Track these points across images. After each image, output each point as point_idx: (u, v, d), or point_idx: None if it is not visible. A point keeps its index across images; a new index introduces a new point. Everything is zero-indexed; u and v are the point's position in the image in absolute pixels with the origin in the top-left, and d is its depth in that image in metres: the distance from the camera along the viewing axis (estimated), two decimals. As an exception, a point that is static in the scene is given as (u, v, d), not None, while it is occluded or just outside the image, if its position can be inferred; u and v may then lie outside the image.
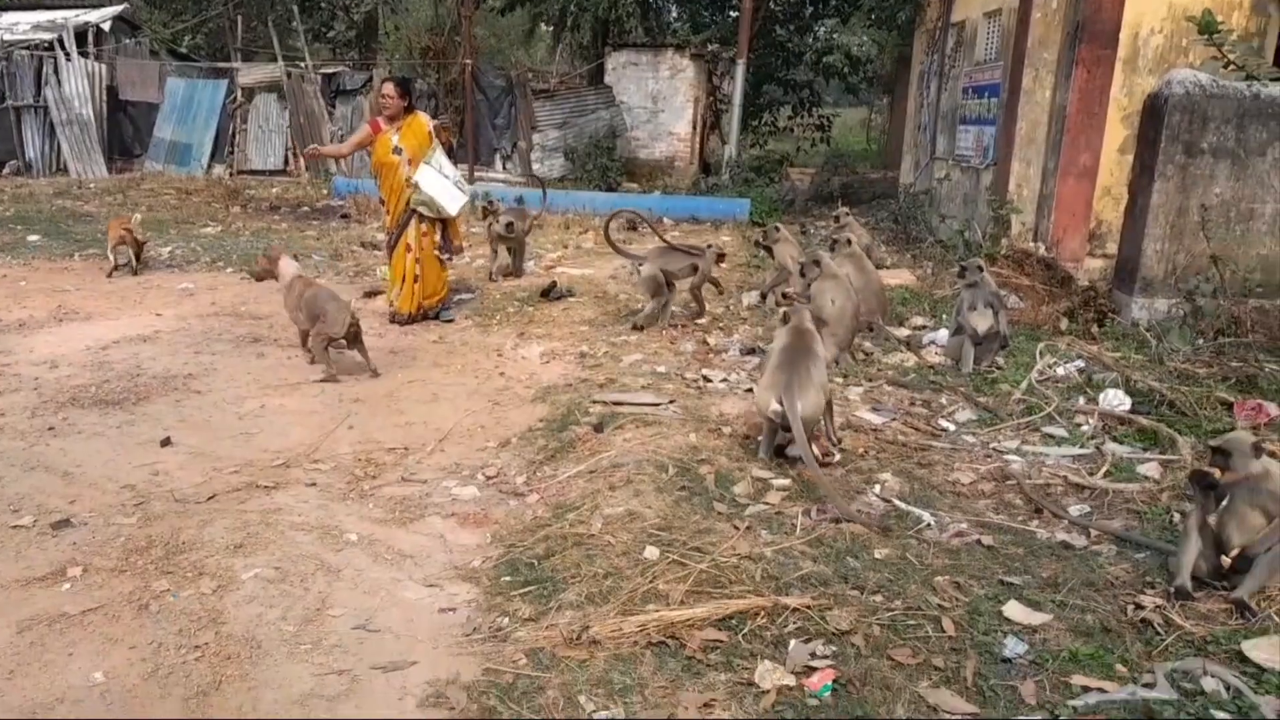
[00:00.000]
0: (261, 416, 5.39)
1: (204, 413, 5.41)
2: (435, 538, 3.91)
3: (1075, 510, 4.17)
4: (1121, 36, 8.66)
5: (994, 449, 4.93)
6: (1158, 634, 3.11)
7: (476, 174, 17.48)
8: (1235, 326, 6.34)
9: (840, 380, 6.06)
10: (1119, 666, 2.93)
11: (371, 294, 8.44)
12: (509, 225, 8.86)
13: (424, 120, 7.40)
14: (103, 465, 4.56)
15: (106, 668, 2.93)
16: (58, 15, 18.55)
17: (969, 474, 4.58)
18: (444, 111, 18.53)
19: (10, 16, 18.72)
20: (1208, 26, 7.87)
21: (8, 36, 17.22)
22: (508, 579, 3.50)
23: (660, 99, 18.75)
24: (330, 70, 18.91)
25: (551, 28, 22.42)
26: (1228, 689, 2.77)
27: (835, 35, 17.20)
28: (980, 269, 6.54)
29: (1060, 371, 6.15)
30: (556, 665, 2.92)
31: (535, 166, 17.94)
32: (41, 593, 3.37)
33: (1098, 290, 7.55)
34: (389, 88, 7.31)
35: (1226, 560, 3.30)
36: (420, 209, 7.27)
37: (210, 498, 4.22)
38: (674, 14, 22.37)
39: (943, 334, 7.02)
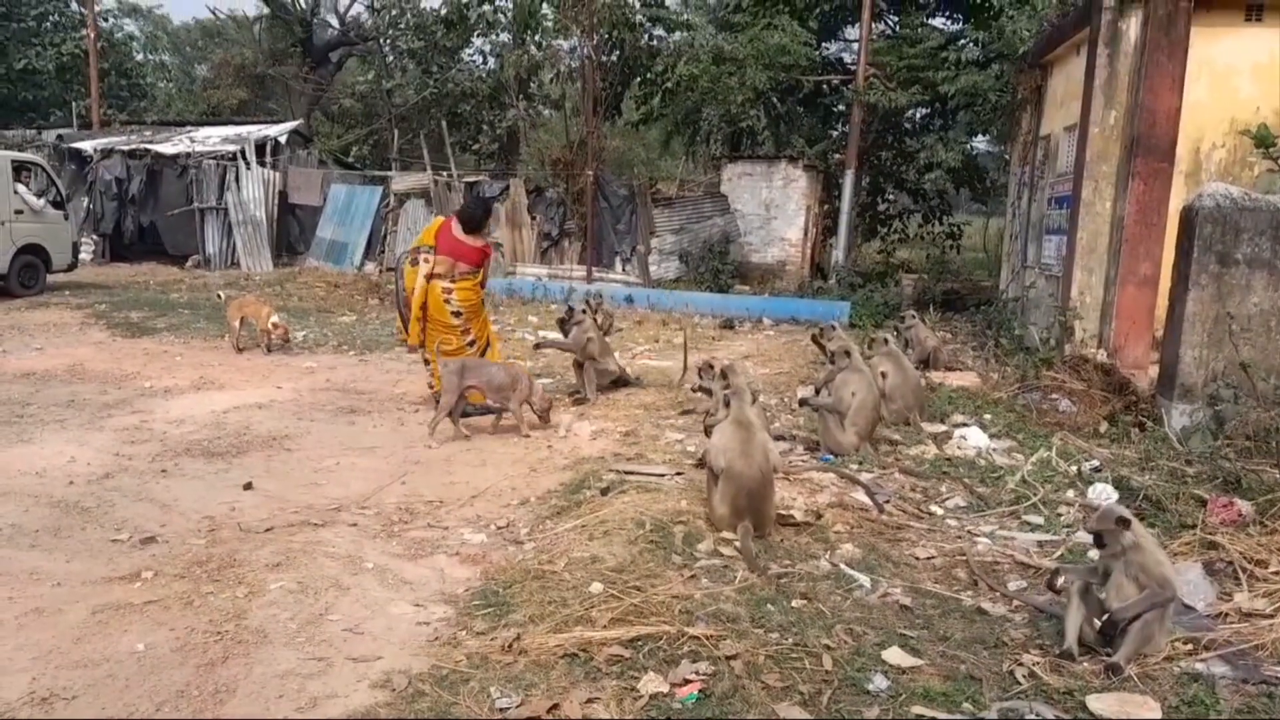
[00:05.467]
0: (334, 471, 6.31)
1: (288, 466, 6.39)
2: (436, 571, 4.63)
3: (1014, 586, 4.49)
4: (1180, 151, 8.91)
5: (968, 531, 5.28)
6: (1018, 684, 3.46)
7: (596, 275, 18.74)
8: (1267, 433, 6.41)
9: (855, 466, 6.49)
10: (966, 705, 3.31)
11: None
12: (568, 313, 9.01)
13: None
14: (194, 500, 5.55)
15: (148, 642, 3.77)
16: (243, 130, 21.32)
17: (930, 551, 4.95)
18: (571, 217, 20.03)
19: (205, 131, 21.65)
20: (1262, 140, 8.13)
21: (199, 148, 19.94)
22: (477, 603, 4.17)
23: (773, 206, 19.64)
24: (472, 179, 20.78)
25: (686, 140, 23.85)
26: (1047, 726, 3.12)
27: (935, 149, 17.83)
28: (848, 354, 6.91)
29: (1073, 470, 6.37)
30: (485, 665, 3.56)
31: (652, 269, 19.04)
32: (118, 587, 4.29)
33: (1140, 396, 7.68)
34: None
35: (1095, 625, 3.62)
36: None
37: (268, 530, 5.11)
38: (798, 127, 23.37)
39: (974, 430, 7.34)
